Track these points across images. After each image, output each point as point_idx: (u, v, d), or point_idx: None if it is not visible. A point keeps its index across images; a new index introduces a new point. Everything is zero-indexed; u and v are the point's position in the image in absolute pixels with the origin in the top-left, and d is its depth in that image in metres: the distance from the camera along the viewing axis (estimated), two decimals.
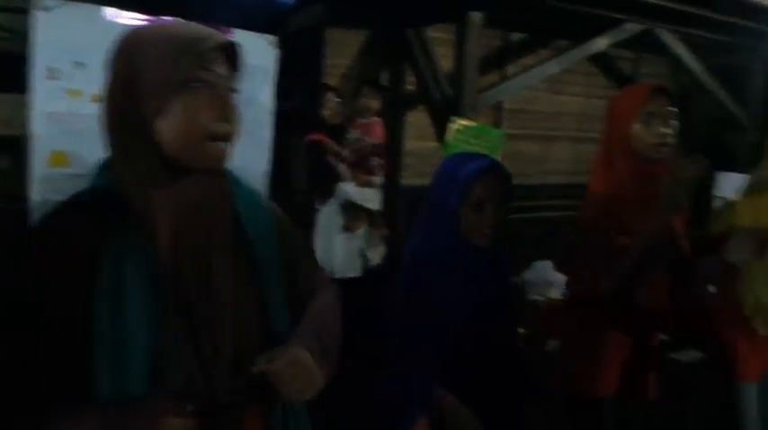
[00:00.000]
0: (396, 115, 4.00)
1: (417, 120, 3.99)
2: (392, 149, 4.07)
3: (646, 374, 1.64)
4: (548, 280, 3.76)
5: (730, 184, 5.11)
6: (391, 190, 4.12)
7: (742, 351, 1.76)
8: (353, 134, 2.90)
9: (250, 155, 3.15)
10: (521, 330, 3.83)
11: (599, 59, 4.85)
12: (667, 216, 1.38)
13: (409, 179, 4.10)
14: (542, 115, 4.73)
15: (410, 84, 3.91)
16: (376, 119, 2.98)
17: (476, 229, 1.26)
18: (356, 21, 3.72)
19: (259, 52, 3.33)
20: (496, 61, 4.35)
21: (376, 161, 2.96)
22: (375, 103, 2.96)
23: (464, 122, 3.21)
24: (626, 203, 1.49)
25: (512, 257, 3.96)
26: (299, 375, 0.81)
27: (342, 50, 3.75)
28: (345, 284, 2.92)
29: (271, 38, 3.35)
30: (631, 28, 3.78)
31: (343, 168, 2.87)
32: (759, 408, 1.78)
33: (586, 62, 4.83)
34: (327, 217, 2.88)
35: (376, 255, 3.01)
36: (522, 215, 3.91)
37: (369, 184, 2.90)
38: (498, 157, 3.30)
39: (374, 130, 2.95)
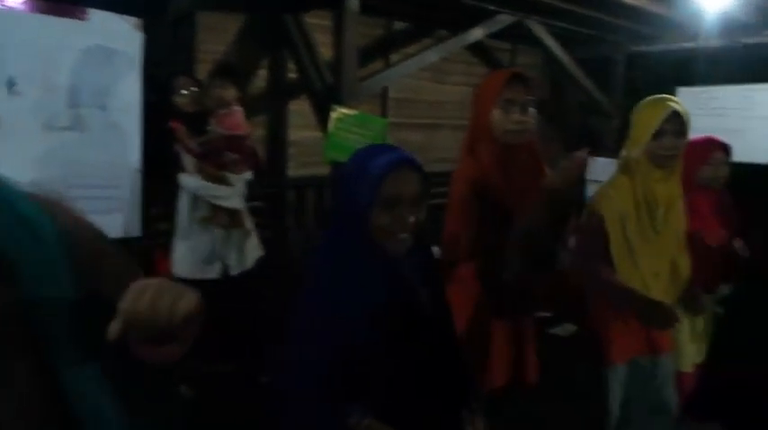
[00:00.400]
0: (278, 104, 3.88)
1: (301, 108, 3.89)
2: (275, 140, 3.95)
3: (525, 360, 1.67)
4: None
5: (600, 169, 5.52)
6: (276, 181, 4.01)
7: (612, 334, 1.78)
8: (211, 125, 2.70)
9: (116, 148, 2.91)
10: None
11: (479, 50, 5.02)
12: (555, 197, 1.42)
13: (295, 170, 4.01)
14: (426, 104, 4.81)
15: (293, 71, 3.81)
16: (235, 109, 2.74)
17: (389, 233, 1.08)
18: (232, 4, 3.54)
19: (122, 36, 3.08)
20: (380, 50, 4.35)
21: (229, 155, 2.69)
22: (228, 93, 2.70)
23: (345, 111, 3.17)
24: (490, 189, 1.52)
25: None
26: None
27: (218, 36, 3.55)
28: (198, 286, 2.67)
29: (134, 20, 3.10)
30: (504, 19, 3.93)
31: (187, 159, 2.63)
32: (625, 391, 1.82)
33: (467, 53, 4.99)
34: (181, 211, 2.66)
35: (242, 259, 2.79)
36: None
37: (217, 179, 2.64)
38: None
39: (228, 121, 2.70)
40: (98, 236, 0.84)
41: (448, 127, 4.87)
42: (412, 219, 1.08)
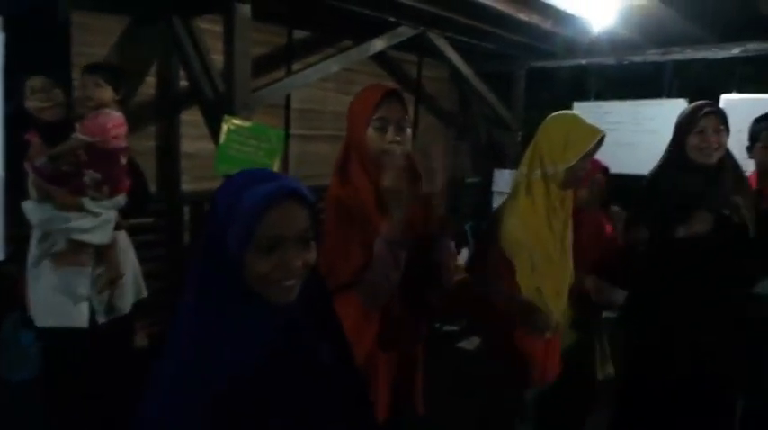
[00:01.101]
0: (168, 114, 3.63)
1: (195, 119, 3.66)
2: (167, 152, 3.69)
3: (413, 389, 1.59)
4: None
5: (505, 181, 5.62)
6: (170, 196, 3.75)
7: (535, 358, 1.78)
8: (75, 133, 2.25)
9: None
10: None
11: (385, 61, 5.00)
12: (396, 217, 1.34)
13: (189, 184, 3.77)
14: (332, 115, 4.71)
15: (185, 79, 3.58)
16: (107, 111, 2.20)
17: (272, 281, 0.88)
18: (112, 4, 3.27)
19: None
20: (281, 60, 4.20)
21: (91, 174, 2.14)
22: (103, 94, 2.17)
23: (237, 122, 3.00)
24: (363, 207, 1.44)
25: None
26: None
27: (97, 38, 3.27)
28: (59, 338, 2.15)
29: None
30: (405, 31, 3.91)
31: (34, 181, 2.12)
32: (536, 409, 1.86)
33: (374, 64, 4.96)
34: (31, 247, 2.17)
35: (115, 302, 2.33)
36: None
37: (74, 207, 2.12)
38: (278, 159, 3.19)
39: (92, 126, 2.13)
40: None
41: None
42: (299, 262, 0.89)
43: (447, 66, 5.14)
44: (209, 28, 3.49)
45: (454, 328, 4.15)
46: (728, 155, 1.92)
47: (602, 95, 5.24)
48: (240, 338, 0.87)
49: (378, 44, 3.79)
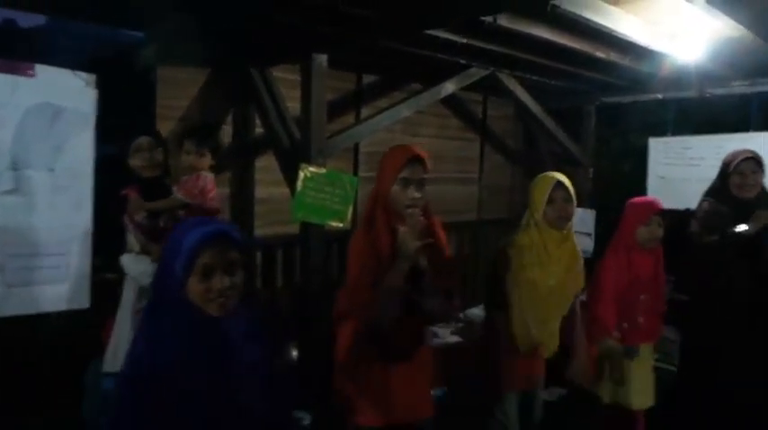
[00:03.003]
0: (244, 161, 3.70)
1: (268, 165, 3.72)
2: (242, 197, 3.76)
3: (425, 394, 1.93)
4: None
5: (579, 219, 5.43)
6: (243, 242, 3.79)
7: (506, 366, 2.17)
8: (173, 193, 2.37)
9: (64, 213, 2.66)
10: None
11: (450, 102, 4.98)
12: (402, 263, 1.66)
13: (262, 229, 3.80)
14: None
15: (260, 127, 3.65)
16: (204, 174, 2.42)
17: (207, 300, 1.21)
18: (195, 59, 3.40)
19: (74, 93, 2.88)
20: (351, 104, 4.25)
21: None
22: (203, 162, 2.38)
23: (313, 169, 3.01)
24: (382, 257, 1.71)
25: None
26: None
27: (180, 91, 3.40)
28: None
29: (87, 76, 2.92)
30: (476, 72, 3.87)
31: (133, 235, 2.26)
32: (517, 414, 2.22)
33: (440, 104, 4.94)
34: (124, 301, 2.27)
35: None
36: None
37: None
38: (351, 203, 3.17)
39: (190, 187, 2.35)
40: None
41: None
42: (227, 283, 1.21)
43: (513, 103, 5.07)
44: (283, 77, 3.57)
45: None
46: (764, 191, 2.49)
47: (680, 130, 5.00)
48: (175, 337, 1.19)
49: (449, 87, 3.77)
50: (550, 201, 2.06)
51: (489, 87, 4.75)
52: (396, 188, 1.76)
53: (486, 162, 5.50)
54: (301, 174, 2.95)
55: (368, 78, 4.31)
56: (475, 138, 5.38)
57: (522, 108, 4.83)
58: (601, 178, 5.24)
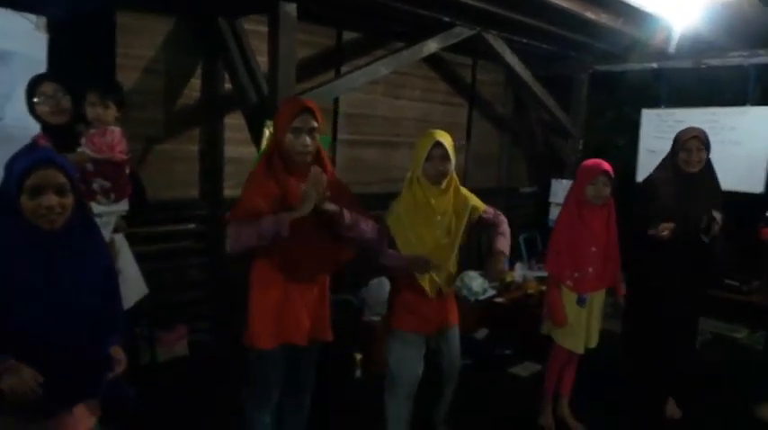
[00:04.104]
0: (213, 118, 3.52)
1: (239, 123, 3.54)
2: (210, 157, 3.59)
3: (324, 318, 2.15)
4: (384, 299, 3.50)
5: (563, 191, 5.26)
6: (213, 202, 3.64)
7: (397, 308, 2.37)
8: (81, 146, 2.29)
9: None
10: (358, 355, 3.55)
11: (438, 64, 4.77)
12: (302, 210, 1.88)
13: (233, 189, 3.65)
14: (382, 120, 4.51)
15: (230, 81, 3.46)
16: (112, 128, 2.37)
17: (38, 215, 1.41)
18: (156, 4, 3.18)
19: (22, 36, 2.70)
20: (331, 62, 4.05)
21: (99, 182, 2.33)
22: (108, 115, 2.34)
23: None
24: (275, 195, 1.93)
25: (348, 276, 3.66)
26: None
27: (142, 39, 3.19)
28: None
29: (36, 18, 2.73)
30: (461, 32, 3.67)
31: None
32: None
33: (426, 67, 4.74)
34: None
35: None
36: None
37: None
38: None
39: (99, 141, 2.32)
40: None
41: (406, 145, 4.57)
42: (54, 201, 1.41)
43: (503, 69, 4.87)
44: (255, 29, 3.36)
45: (508, 353, 3.86)
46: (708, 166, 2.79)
47: (674, 102, 4.83)
48: (11, 248, 1.43)
49: (431, 45, 3.57)
50: (429, 158, 2.20)
51: (479, 50, 4.54)
52: (289, 136, 1.95)
53: (474, 128, 5.32)
54: (266, 132, 2.80)
55: (349, 35, 4.09)
56: (463, 103, 5.19)
57: (510, 73, 4.63)
58: (590, 150, 5.07)
